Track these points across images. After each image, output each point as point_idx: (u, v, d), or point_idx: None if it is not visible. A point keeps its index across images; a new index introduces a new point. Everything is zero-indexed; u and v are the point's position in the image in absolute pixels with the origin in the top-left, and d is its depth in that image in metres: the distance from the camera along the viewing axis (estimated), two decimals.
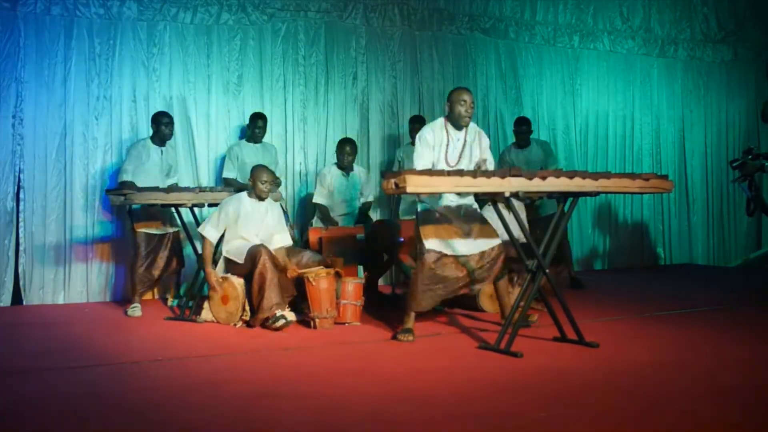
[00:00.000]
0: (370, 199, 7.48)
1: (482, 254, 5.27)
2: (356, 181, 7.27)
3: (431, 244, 5.20)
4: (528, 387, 3.95)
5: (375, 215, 8.23)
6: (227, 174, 7.26)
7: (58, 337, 5.56)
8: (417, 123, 7.95)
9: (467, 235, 5.26)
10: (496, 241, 5.31)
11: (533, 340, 5.07)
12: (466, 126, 5.27)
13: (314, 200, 7.19)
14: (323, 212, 7.11)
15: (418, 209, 5.35)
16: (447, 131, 5.25)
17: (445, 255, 5.21)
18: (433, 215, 5.28)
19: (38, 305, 7.09)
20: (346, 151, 7.16)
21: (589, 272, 9.34)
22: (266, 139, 7.47)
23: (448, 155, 5.23)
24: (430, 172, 4.51)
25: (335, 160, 7.33)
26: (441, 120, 5.33)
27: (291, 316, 5.65)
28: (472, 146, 5.30)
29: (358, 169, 7.36)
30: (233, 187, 6.78)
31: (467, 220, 5.30)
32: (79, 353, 4.92)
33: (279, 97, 8.21)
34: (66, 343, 5.28)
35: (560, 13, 9.81)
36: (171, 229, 6.77)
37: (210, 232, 6.01)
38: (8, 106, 7.13)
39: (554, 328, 5.05)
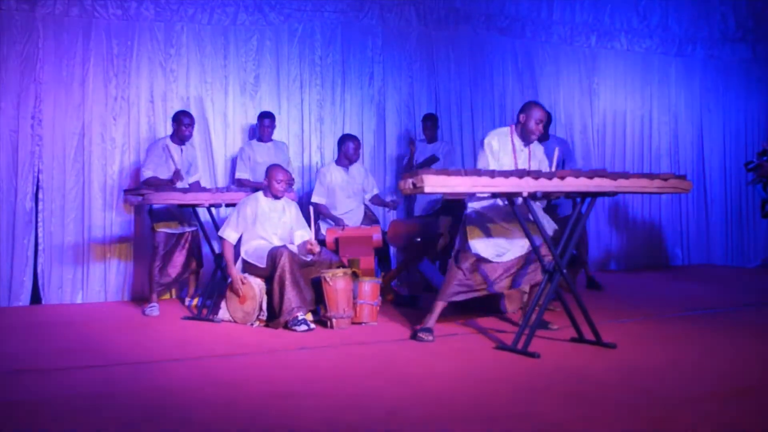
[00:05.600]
0: (376, 191, 7.35)
1: (518, 258, 5.27)
2: (356, 176, 7.15)
3: (475, 246, 5.21)
4: (545, 387, 3.93)
5: (391, 215, 8.23)
6: (240, 175, 7.30)
7: (76, 336, 5.59)
8: (428, 121, 7.98)
9: (509, 238, 5.25)
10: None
11: (550, 341, 5.05)
12: (532, 142, 5.34)
13: (312, 200, 6.96)
14: (323, 211, 6.97)
15: (467, 211, 5.34)
16: (512, 141, 5.28)
17: (484, 258, 5.22)
18: (480, 218, 5.28)
19: (57, 305, 7.14)
20: (351, 148, 7.01)
21: (605, 273, 9.28)
22: (284, 138, 7.46)
23: (519, 162, 5.24)
24: (447, 172, 4.48)
25: (334, 158, 7.19)
26: (507, 128, 5.35)
27: (312, 324, 5.68)
28: (535, 153, 5.36)
29: (357, 165, 7.23)
30: (247, 187, 6.79)
31: (511, 224, 5.26)
32: (97, 352, 4.94)
33: (296, 97, 8.22)
34: (84, 343, 5.30)
35: (577, 12, 9.75)
36: (189, 228, 6.80)
37: (230, 234, 6.01)
38: (27, 107, 7.18)
39: (572, 328, 5.03)
